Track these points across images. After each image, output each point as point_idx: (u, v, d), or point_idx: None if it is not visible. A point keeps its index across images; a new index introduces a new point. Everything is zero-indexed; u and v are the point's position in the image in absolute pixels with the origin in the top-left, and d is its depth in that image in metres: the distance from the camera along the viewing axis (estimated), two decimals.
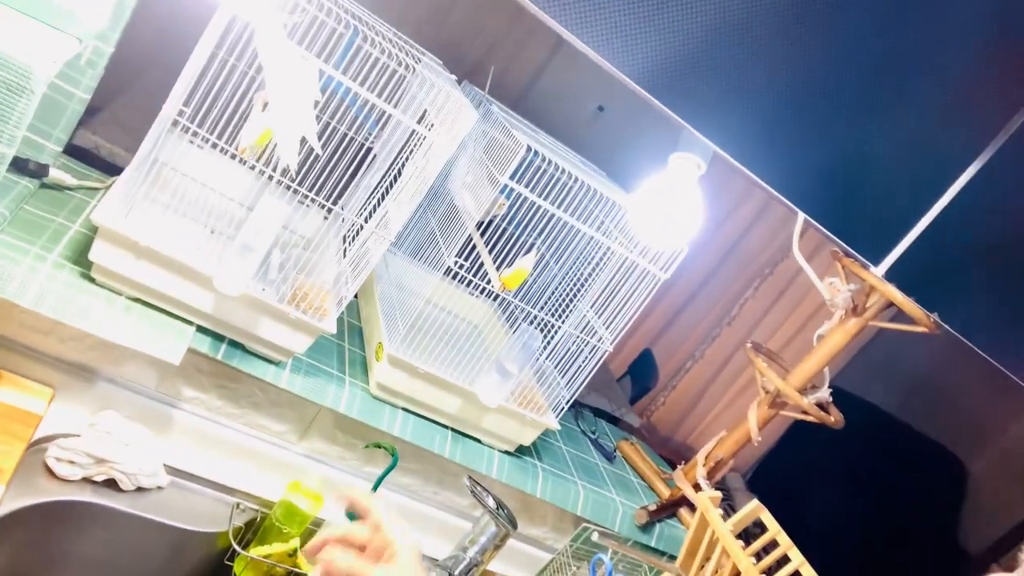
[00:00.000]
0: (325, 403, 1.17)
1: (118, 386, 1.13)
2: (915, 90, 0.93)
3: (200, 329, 1.09)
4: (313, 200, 1.17)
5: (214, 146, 1.07)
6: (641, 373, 2.76)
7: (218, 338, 1.10)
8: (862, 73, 0.88)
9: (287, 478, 1.19)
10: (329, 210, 1.38)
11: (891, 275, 1.04)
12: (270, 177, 1.08)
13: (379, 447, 1.19)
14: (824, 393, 1.41)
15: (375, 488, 1.17)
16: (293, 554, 1.15)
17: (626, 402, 2.51)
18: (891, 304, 1.31)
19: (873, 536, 2.90)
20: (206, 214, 1.24)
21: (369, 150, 1.40)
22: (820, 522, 2.78)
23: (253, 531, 1.19)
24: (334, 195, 1.39)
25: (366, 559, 0.74)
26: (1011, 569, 1.95)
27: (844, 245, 0.97)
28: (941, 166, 0.93)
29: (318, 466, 1.26)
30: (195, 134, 1.04)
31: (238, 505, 1.18)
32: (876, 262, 0.99)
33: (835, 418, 1.38)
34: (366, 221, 1.22)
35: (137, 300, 1.05)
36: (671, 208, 1.07)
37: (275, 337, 1.11)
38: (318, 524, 1.19)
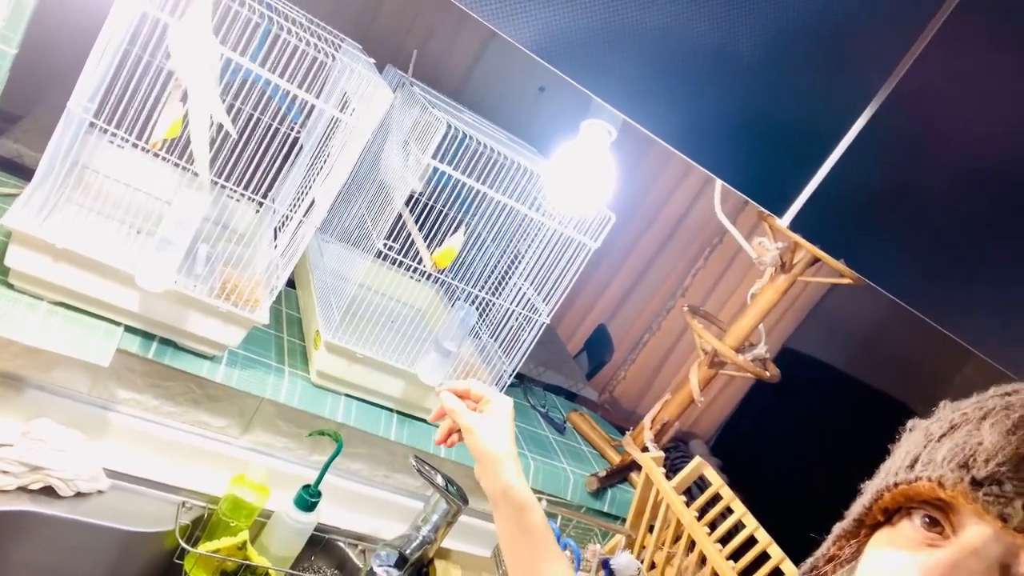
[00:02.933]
0: (265, 395, 1.17)
1: (49, 392, 1.11)
2: (805, 44, 0.95)
3: (128, 329, 1.07)
4: (243, 194, 1.16)
5: (134, 145, 1.06)
6: (596, 348, 2.79)
7: (148, 336, 1.09)
8: (753, 33, 0.90)
9: (232, 472, 1.19)
10: (260, 203, 1.37)
11: (795, 225, 1.07)
12: (194, 172, 1.07)
13: (323, 434, 1.19)
14: (761, 350, 1.44)
15: (321, 474, 1.17)
16: (243, 547, 1.15)
17: (583, 377, 2.54)
18: (817, 259, 1.35)
19: (832, 488, 2.97)
20: (131, 214, 1.22)
21: (296, 140, 1.39)
22: (782, 479, 2.85)
23: (201, 528, 1.19)
24: (263, 188, 1.38)
25: (469, 405, 0.90)
26: None
27: (749, 199, 0.99)
28: (834, 116, 0.96)
29: (263, 458, 1.25)
30: (113, 134, 1.03)
31: (184, 503, 1.17)
32: (780, 213, 1.02)
33: (771, 373, 1.42)
34: (293, 210, 1.22)
35: (60, 304, 1.04)
36: (585, 174, 1.08)
37: (206, 331, 1.10)
38: (266, 516, 1.19)
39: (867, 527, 0.49)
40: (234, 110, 1.28)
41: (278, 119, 1.37)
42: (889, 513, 0.47)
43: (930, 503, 0.44)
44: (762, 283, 1.43)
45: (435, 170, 1.14)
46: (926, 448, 0.44)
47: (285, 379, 1.19)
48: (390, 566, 1.11)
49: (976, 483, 0.40)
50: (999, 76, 1.04)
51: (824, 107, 0.97)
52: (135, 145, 1.07)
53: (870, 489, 0.48)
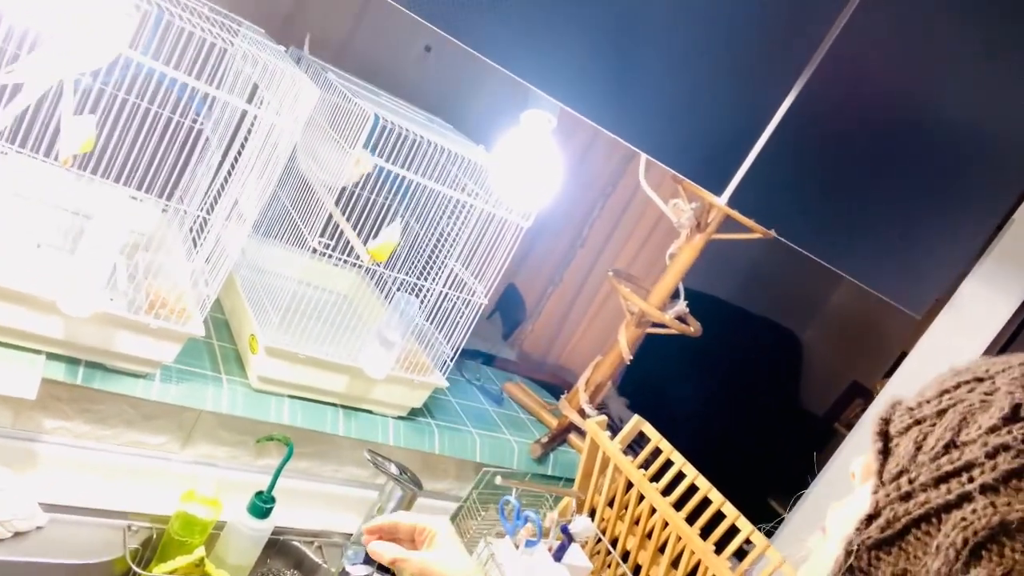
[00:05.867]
0: (205, 407, 1.13)
1: None
2: (733, 27, 1.00)
3: (51, 356, 1.01)
4: (147, 195, 1.10)
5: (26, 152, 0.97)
6: (509, 308, 2.84)
7: (73, 362, 1.03)
8: (688, 21, 0.93)
9: (177, 489, 1.15)
10: (167, 204, 1.29)
11: (733, 202, 1.14)
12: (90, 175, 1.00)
13: (271, 439, 1.17)
14: (681, 306, 1.52)
15: (274, 480, 1.15)
16: (200, 563, 1.12)
17: (499, 338, 2.58)
18: (728, 216, 1.43)
19: (730, 416, 3.20)
20: (27, 228, 1.12)
21: (200, 133, 1.31)
22: (683, 411, 3.04)
23: (152, 550, 1.15)
24: (168, 187, 1.31)
25: (407, 546, 0.82)
26: (850, 427, 2.23)
27: (690, 181, 1.04)
28: (763, 97, 1.02)
29: (209, 470, 1.22)
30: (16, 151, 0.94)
31: (129, 527, 1.13)
32: (719, 192, 1.07)
33: (694, 328, 1.50)
34: (210, 212, 1.16)
35: None
36: (530, 165, 1.09)
37: (138, 350, 1.04)
38: (220, 527, 1.17)
39: None
40: (129, 104, 1.20)
41: (178, 112, 1.29)
42: None
43: None
44: (679, 243, 1.50)
45: (371, 146, 1.11)
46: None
47: (224, 388, 1.16)
48: (360, 563, 1.12)
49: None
50: (901, 58, 1.13)
51: (754, 89, 1.02)
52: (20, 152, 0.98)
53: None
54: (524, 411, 1.64)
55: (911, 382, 2.03)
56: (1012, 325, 1.86)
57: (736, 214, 1.34)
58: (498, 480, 1.27)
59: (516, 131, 1.14)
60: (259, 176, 1.06)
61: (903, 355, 2.09)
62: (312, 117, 1.22)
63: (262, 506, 1.15)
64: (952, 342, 1.96)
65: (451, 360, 1.31)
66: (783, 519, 2.23)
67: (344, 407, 1.28)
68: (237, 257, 1.36)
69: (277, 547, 1.26)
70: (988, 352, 1.88)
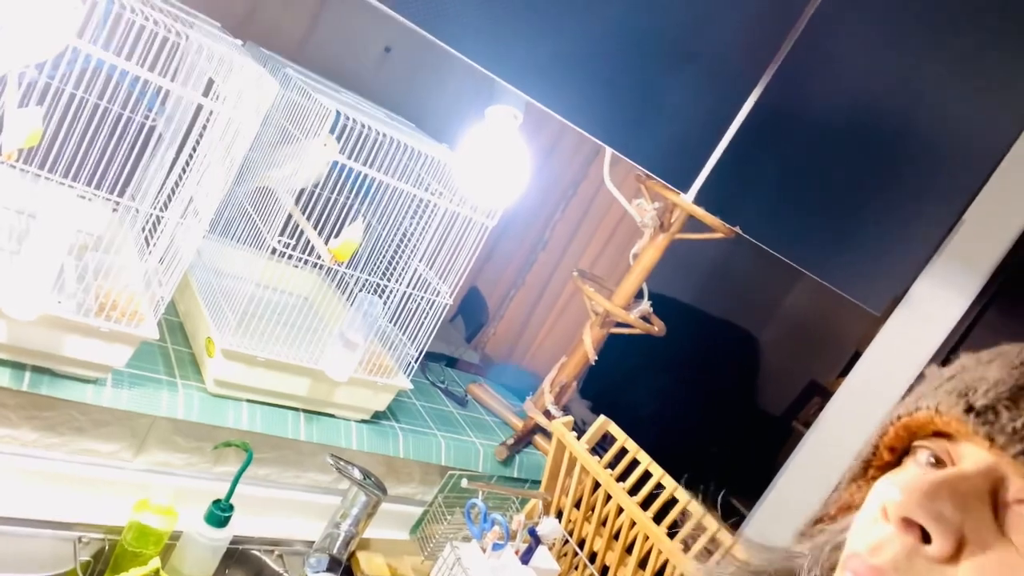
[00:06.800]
0: (159, 412, 1.09)
1: None
2: (700, 22, 1.00)
3: None
4: (96, 193, 1.05)
5: None
6: (471, 311, 2.82)
7: (19, 367, 0.98)
8: (654, 13, 0.93)
9: (130, 498, 1.10)
10: (117, 202, 1.25)
11: (699, 199, 1.14)
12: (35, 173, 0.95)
13: (229, 445, 1.13)
14: (645, 305, 1.52)
15: (232, 488, 1.12)
16: (155, 575, 1.08)
17: (463, 341, 2.56)
18: (692, 216, 1.43)
19: (691, 416, 3.23)
20: None
21: (153, 129, 1.27)
22: (645, 412, 3.05)
23: (104, 562, 1.10)
24: (120, 184, 1.26)
25: None
26: (808, 425, 2.26)
27: (659, 178, 1.04)
28: (729, 93, 1.02)
29: (163, 478, 1.18)
30: None
31: (80, 539, 1.08)
32: (685, 189, 1.07)
33: (658, 327, 1.50)
34: (163, 211, 1.12)
35: None
36: (496, 162, 1.08)
37: (87, 354, 1.00)
38: (176, 538, 1.12)
39: (875, 468, 0.47)
40: (77, 99, 1.15)
41: (130, 107, 1.25)
42: (897, 453, 0.46)
43: (934, 437, 0.42)
44: (643, 243, 1.50)
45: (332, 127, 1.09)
46: (934, 386, 0.43)
47: (179, 393, 1.12)
48: (324, 571, 1.09)
49: (971, 409, 0.39)
50: (863, 56, 1.15)
51: (720, 88, 1.02)
52: None
53: (877, 428, 0.47)
54: (489, 413, 1.63)
55: (866, 381, 2.06)
56: (964, 323, 1.91)
57: (700, 212, 1.35)
58: (464, 483, 1.26)
59: (481, 127, 1.12)
60: (215, 173, 1.03)
61: (857, 354, 2.13)
62: (271, 113, 1.19)
63: (220, 515, 1.11)
64: (906, 340, 2.01)
65: (416, 362, 1.29)
66: (745, 517, 2.26)
67: (305, 411, 1.25)
68: (192, 257, 1.32)
69: (236, 557, 1.22)
70: (940, 352, 1.92)
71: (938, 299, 1.97)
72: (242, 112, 0.99)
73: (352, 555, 1.27)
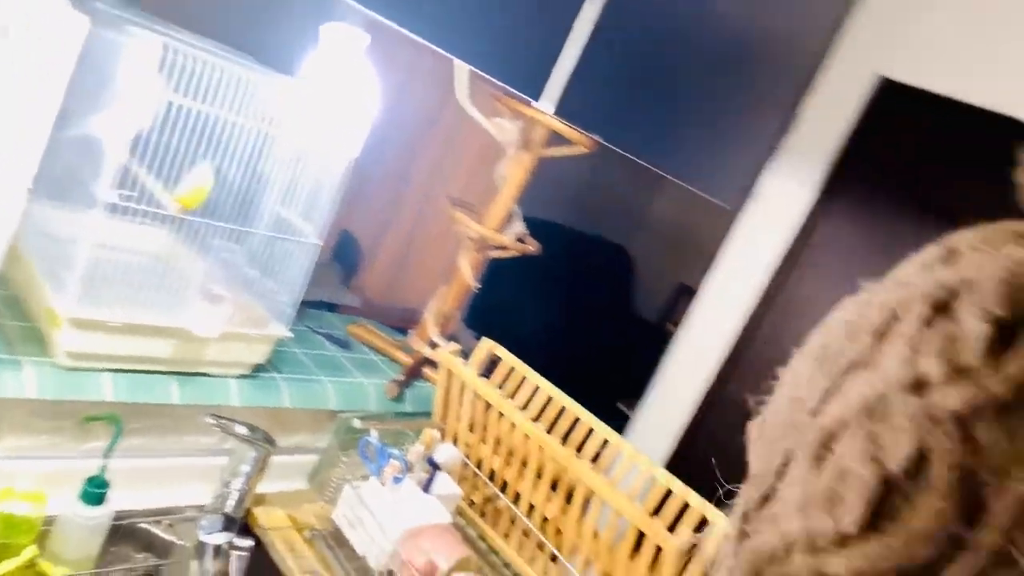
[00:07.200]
0: (5, 394, 1.00)
1: None
2: None
3: None
4: None
5: None
6: (345, 254, 2.75)
7: None
8: None
9: None
10: None
11: (558, 114, 1.14)
12: None
13: (95, 420, 1.05)
14: (519, 226, 1.53)
15: (105, 461, 1.05)
16: (31, 564, 1.01)
17: (340, 286, 2.50)
18: (553, 131, 1.44)
19: (574, 331, 3.33)
20: None
21: None
22: (530, 332, 3.12)
23: None
24: None
25: None
26: (678, 325, 2.38)
27: (512, 89, 1.02)
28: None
29: (28, 464, 1.09)
30: None
31: None
32: (536, 96, 1.06)
33: (534, 247, 1.52)
34: None
35: None
36: (341, 87, 1.02)
37: None
38: (51, 523, 1.05)
39: None
40: None
41: None
42: None
43: None
44: (508, 163, 1.49)
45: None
46: None
47: (24, 371, 1.02)
48: (219, 531, 1.05)
49: None
50: None
51: None
52: None
53: None
54: (374, 352, 1.61)
55: (728, 278, 2.19)
56: (813, 214, 2.05)
57: (560, 125, 1.35)
58: (356, 423, 1.24)
59: (321, 49, 1.06)
60: (27, 124, 0.92)
61: (717, 250, 2.25)
62: (85, 52, 1.07)
63: (95, 492, 1.04)
64: (759, 235, 2.14)
65: (292, 308, 1.24)
66: (629, 418, 2.38)
67: (176, 373, 1.18)
68: (18, 224, 1.19)
69: (121, 532, 1.16)
70: (795, 242, 2.06)
71: (784, 192, 2.10)
72: (48, 50, 0.88)
73: (248, 512, 1.24)
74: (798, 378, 0.32)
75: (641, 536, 1.06)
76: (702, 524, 1.07)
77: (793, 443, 0.30)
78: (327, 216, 1.20)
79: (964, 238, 0.30)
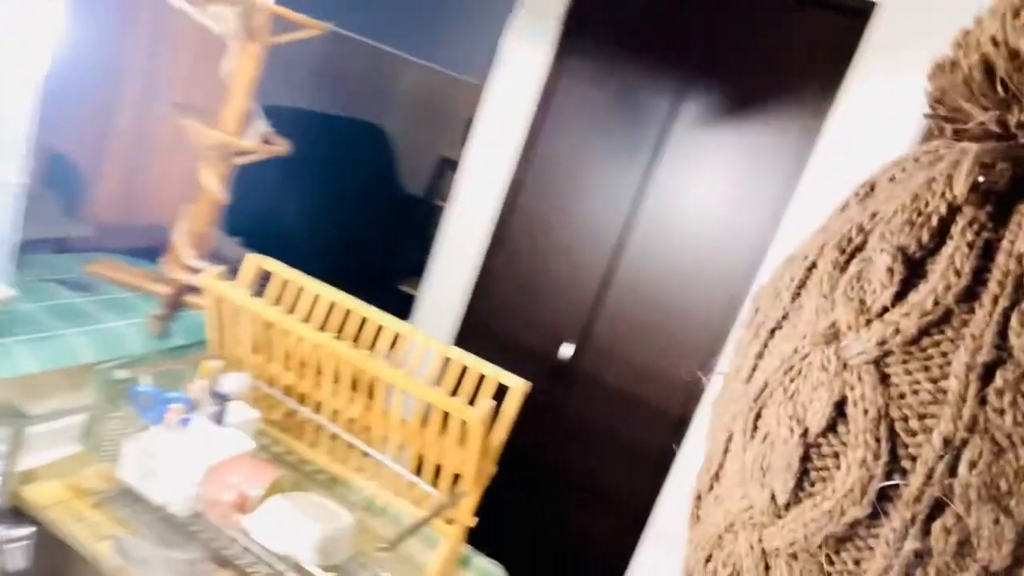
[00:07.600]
0: None
1: None
2: None
3: None
4: None
5: None
6: (62, 181, 2.37)
7: None
8: None
9: None
10: None
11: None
12: None
13: None
14: (262, 126, 1.41)
15: None
16: None
17: (63, 217, 2.18)
18: (278, 15, 1.31)
19: (345, 222, 3.24)
20: None
21: None
22: (301, 232, 3.00)
23: None
24: None
25: None
26: (445, 198, 2.40)
27: None
28: None
29: None
30: None
31: None
32: None
33: (281, 147, 1.41)
34: None
35: None
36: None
37: None
38: None
39: None
40: None
41: None
42: None
43: None
44: (233, 56, 1.35)
45: None
46: None
47: None
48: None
49: None
50: None
51: None
52: None
53: None
54: (123, 289, 1.44)
55: (485, 146, 2.22)
56: (554, 74, 2.11)
57: (284, 10, 1.23)
58: (118, 375, 1.13)
59: None
60: None
61: (471, 121, 2.26)
62: None
63: None
64: (507, 102, 2.17)
65: (9, 261, 1.06)
66: (415, 298, 2.42)
67: None
68: None
69: None
70: (540, 101, 2.12)
71: (523, 55, 2.13)
72: None
73: (16, 496, 1.11)
74: (738, 348, 0.30)
75: (447, 414, 1.10)
76: (501, 390, 1.13)
77: (732, 416, 0.28)
78: (24, 148, 1.02)
79: (883, 170, 0.27)
